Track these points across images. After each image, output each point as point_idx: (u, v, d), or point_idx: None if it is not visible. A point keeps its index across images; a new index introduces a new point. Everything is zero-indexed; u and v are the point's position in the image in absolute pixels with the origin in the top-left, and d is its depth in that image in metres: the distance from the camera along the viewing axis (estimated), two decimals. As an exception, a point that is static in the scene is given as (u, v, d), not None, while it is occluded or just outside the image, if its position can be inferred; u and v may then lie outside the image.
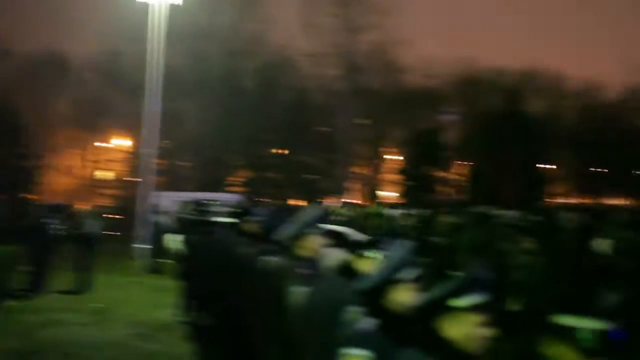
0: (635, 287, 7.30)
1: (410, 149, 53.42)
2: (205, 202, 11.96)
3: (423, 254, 11.62)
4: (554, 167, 59.13)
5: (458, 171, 55.85)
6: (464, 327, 2.81)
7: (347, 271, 4.46)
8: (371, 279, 3.62)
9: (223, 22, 47.94)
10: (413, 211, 19.81)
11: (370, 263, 4.22)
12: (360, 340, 3.46)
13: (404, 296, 3.52)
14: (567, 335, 2.15)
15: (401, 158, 55.17)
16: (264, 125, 46.87)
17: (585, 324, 2.12)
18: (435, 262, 11.28)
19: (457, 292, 2.83)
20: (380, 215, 16.38)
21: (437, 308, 2.85)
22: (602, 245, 8.09)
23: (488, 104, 56.52)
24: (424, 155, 51.10)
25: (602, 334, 2.11)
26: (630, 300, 1.99)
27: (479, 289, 2.85)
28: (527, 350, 2.29)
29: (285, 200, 47.40)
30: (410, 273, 3.56)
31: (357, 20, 49.19)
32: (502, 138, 49.58)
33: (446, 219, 13.14)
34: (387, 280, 3.53)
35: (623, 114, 60.51)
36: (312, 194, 47.10)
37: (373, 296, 3.55)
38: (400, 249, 3.70)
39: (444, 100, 53.66)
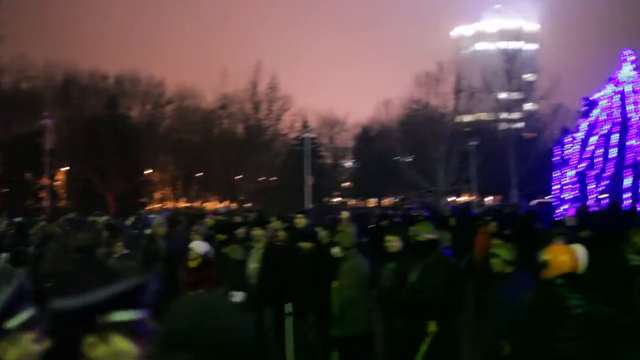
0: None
1: (6, 154, 50.76)
2: None
3: (16, 263, 11.25)
4: (153, 172, 60.21)
5: (57, 177, 54.21)
6: (19, 348, 2.65)
7: None
8: None
9: None
10: (5, 220, 19.09)
11: None
12: None
13: None
14: (119, 328, 2.26)
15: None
16: None
17: (126, 316, 2.26)
18: (29, 272, 10.99)
19: (7, 312, 2.65)
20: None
21: None
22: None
23: (88, 108, 55.61)
24: (21, 161, 48.82)
25: (134, 322, 2.27)
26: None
27: (26, 303, 2.71)
28: (68, 350, 2.29)
29: None
30: None
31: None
32: (102, 143, 48.82)
33: (41, 226, 12.91)
34: None
35: (218, 120, 63.86)
36: None
37: None
38: None
39: (42, 102, 51.72)
